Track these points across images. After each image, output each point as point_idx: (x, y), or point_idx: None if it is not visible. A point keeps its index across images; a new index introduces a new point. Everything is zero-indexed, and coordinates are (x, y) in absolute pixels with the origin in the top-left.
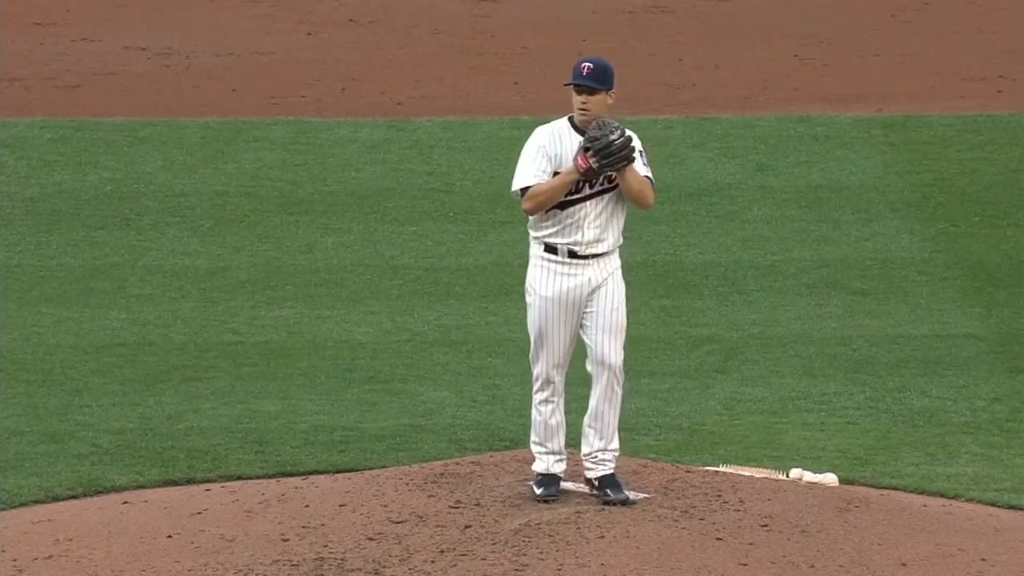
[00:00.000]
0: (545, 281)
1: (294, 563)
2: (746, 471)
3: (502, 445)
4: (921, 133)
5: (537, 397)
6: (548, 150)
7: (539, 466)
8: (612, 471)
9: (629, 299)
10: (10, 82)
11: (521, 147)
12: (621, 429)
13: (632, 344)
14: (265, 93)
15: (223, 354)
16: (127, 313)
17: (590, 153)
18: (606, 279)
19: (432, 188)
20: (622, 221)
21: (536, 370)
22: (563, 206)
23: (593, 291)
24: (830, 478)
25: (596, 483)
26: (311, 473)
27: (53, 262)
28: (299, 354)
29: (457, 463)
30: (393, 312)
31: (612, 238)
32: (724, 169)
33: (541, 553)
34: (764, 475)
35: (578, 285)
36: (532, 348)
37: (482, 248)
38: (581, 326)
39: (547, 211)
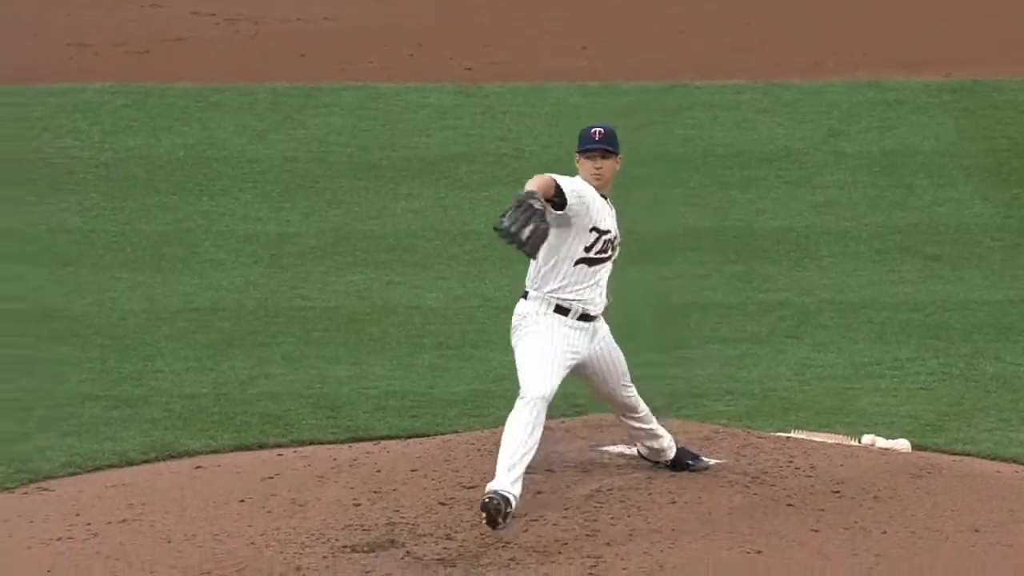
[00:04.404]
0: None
1: (366, 528)
2: (818, 437)
3: (573, 411)
4: (994, 98)
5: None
6: (589, 196)
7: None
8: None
9: (701, 264)
10: (80, 47)
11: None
12: (694, 395)
13: (703, 310)
14: (334, 59)
15: (294, 319)
16: (200, 278)
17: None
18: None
19: (503, 154)
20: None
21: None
22: (591, 263)
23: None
24: (902, 444)
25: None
26: (382, 438)
27: (127, 227)
28: (369, 320)
29: None
30: (464, 278)
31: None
32: (795, 134)
33: (612, 518)
34: (836, 441)
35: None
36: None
37: None
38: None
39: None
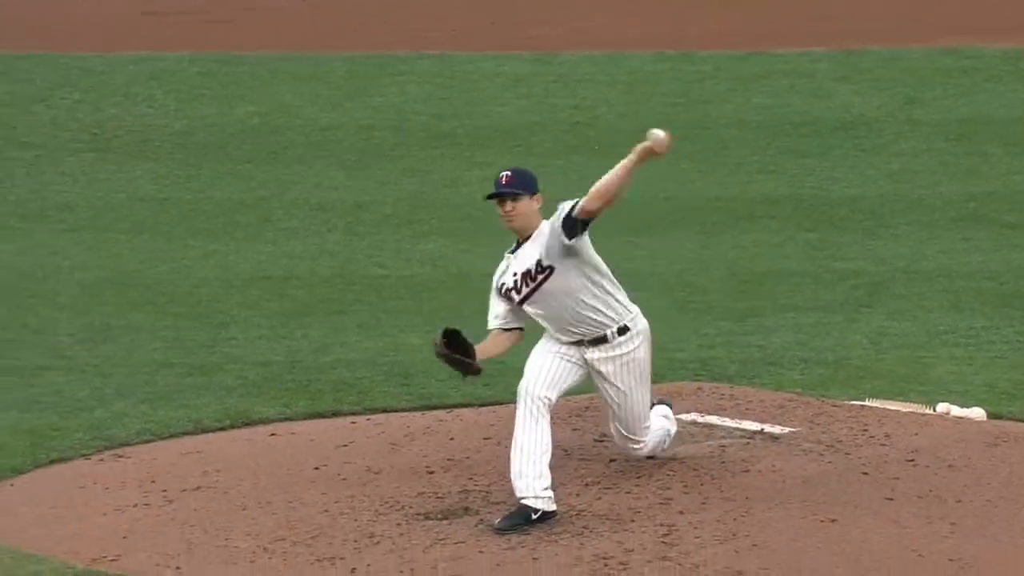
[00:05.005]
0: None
1: (439, 495)
2: (892, 405)
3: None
4: None
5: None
6: (498, 284)
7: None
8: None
9: (776, 232)
10: (156, 16)
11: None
12: (768, 363)
13: (777, 278)
14: (410, 27)
15: (369, 287)
16: (273, 246)
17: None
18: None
19: (577, 122)
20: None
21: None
22: (523, 304)
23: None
24: (978, 412)
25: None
26: (456, 406)
27: (201, 195)
28: (444, 288)
29: None
30: None
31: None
32: (871, 102)
33: (685, 486)
34: (911, 410)
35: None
36: None
37: (628, 182)
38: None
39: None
